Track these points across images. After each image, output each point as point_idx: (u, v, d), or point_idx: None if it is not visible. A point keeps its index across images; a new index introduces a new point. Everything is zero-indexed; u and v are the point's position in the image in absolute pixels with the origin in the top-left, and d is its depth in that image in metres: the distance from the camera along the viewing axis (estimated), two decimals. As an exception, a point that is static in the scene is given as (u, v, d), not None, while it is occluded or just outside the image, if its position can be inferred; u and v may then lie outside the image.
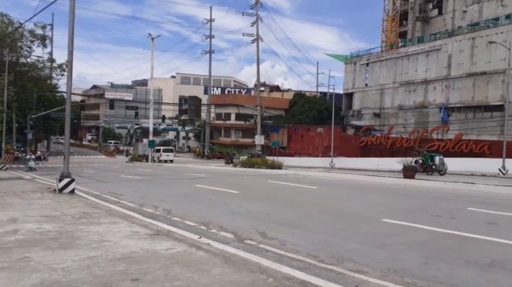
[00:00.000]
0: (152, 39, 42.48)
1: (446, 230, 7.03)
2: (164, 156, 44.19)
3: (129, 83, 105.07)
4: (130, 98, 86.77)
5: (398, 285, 4.17)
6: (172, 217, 8.42)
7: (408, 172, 18.62)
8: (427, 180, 17.67)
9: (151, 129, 44.41)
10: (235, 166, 30.59)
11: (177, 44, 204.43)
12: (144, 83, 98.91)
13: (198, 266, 4.58)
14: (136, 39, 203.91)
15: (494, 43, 32.21)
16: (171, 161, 44.11)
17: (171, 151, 47.28)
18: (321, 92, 71.38)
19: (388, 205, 10.84)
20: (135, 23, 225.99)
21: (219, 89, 79.38)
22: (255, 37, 45.87)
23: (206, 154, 57.40)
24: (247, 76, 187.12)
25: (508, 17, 38.19)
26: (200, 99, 74.94)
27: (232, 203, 10.62)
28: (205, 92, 72.06)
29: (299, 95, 63.38)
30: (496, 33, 36.30)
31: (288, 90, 72.99)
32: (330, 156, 40.23)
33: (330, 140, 41.61)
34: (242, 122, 61.21)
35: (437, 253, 5.49)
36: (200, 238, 6.13)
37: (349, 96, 54.03)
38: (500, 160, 26.68)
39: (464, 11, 43.59)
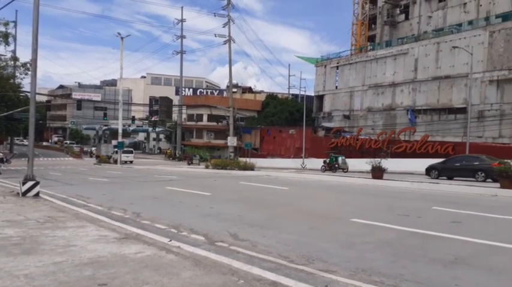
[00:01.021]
0: (122, 38, 41.61)
1: (413, 229, 7.25)
2: (124, 157, 43.79)
3: (98, 83, 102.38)
4: (99, 99, 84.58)
5: (367, 284, 4.26)
6: (142, 220, 8.27)
7: (376, 173, 19.06)
8: (394, 180, 18.16)
9: (120, 131, 43.48)
10: (207, 167, 30.38)
11: (148, 44, 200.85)
12: (113, 83, 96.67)
13: (167, 270, 4.51)
14: (105, 38, 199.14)
15: (458, 48, 33.55)
16: (131, 162, 43.83)
17: (131, 151, 46.86)
18: (292, 94, 72.14)
19: (357, 205, 11.07)
20: (104, 22, 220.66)
21: (191, 89, 78.76)
22: (227, 38, 45.78)
23: (178, 155, 56.75)
24: (220, 77, 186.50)
25: (470, 23, 39.86)
26: (171, 100, 73.94)
27: (203, 205, 10.54)
28: (177, 93, 71.31)
29: (271, 97, 63.84)
30: (459, 39, 37.82)
31: (260, 92, 73.34)
32: (301, 157, 40.72)
33: (302, 141, 42.11)
34: (214, 123, 60.95)
35: (403, 252, 5.65)
36: (170, 241, 6.05)
37: (320, 98, 54.86)
38: (463, 160, 27.73)
39: (430, 17, 45.16)
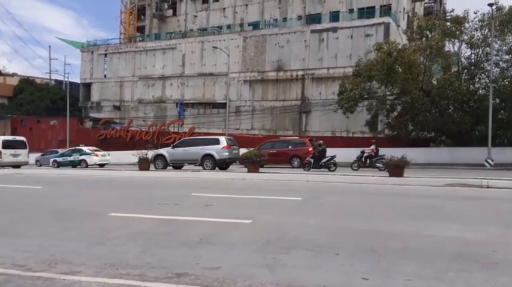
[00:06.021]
0: None
1: (169, 217, 7.57)
2: None
3: None
4: None
5: (112, 278, 4.15)
6: None
7: (143, 164, 19.21)
8: (162, 171, 18.75)
9: None
10: None
11: None
12: None
13: None
14: None
15: (218, 49, 37.31)
16: None
17: None
18: (55, 80, 64.51)
19: (119, 199, 10.82)
20: None
21: None
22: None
23: None
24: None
25: (228, 27, 44.97)
26: None
27: None
28: None
29: (27, 82, 55.49)
30: (220, 40, 42.14)
31: (12, 75, 62.50)
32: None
33: (66, 133, 38.30)
34: None
35: (155, 240, 5.81)
36: None
37: (87, 86, 51.08)
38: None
39: (195, 16, 48.50)
